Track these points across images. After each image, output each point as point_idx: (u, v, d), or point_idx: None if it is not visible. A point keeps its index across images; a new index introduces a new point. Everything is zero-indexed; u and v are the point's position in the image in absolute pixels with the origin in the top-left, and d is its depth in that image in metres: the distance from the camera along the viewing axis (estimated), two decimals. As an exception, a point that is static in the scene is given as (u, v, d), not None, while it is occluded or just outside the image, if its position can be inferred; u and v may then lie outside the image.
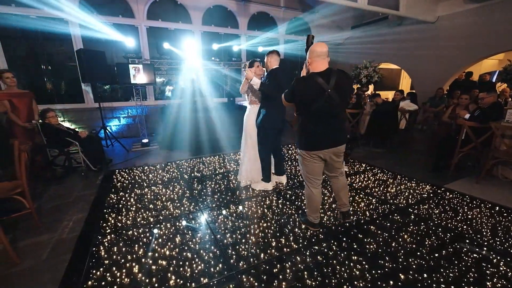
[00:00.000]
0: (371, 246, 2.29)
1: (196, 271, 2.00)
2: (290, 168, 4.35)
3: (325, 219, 2.75)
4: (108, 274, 1.96)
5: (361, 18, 8.04)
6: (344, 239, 2.40)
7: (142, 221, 2.72)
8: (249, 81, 3.17)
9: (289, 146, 5.81)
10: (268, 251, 2.23)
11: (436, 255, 2.17)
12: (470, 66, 6.34)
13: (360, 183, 3.70)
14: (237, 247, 2.28)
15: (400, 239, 2.40)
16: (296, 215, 2.83)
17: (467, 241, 2.38)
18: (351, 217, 2.66)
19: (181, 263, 2.08)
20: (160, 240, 2.40)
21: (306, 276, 1.93)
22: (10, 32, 5.41)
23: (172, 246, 2.30)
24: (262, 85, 3.04)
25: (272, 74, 3.03)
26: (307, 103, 2.14)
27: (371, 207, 3.03)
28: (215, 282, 1.89)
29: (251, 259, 2.12)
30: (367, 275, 1.95)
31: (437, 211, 2.93)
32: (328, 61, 2.17)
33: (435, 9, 6.39)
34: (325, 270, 2.00)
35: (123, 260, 2.12)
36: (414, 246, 2.30)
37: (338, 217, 2.67)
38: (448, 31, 6.24)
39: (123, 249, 2.26)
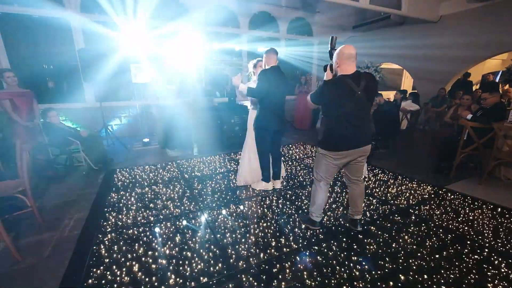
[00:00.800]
0: (371, 247, 2.29)
1: (196, 270, 2.00)
2: (290, 168, 4.34)
3: (325, 219, 2.75)
4: (108, 273, 1.97)
5: (363, 18, 8.00)
6: (344, 239, 2.40)
7: (142, 220, 2.72)
8: (237, 88, 3.20)
9: (290, 146, 5.80)
10: (268, 251, 2.23)
11: (437, 256, 2.16)
12: (473, 66, 6.30)
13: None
14: (237, 246, 2.28)
15: (400, 240, 2.39)
16: (296, 215, 2.83)
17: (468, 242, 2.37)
18: (361, 226, 2.61)
19: (181, 262, 2.09)
20: (160, 239, 2.40)
21: (305, 276, 1.93)
22: (12, 32, 5.44)
23: (172, 245, 2.31)
24: (249, 91, 3.04)
25: (261, 75, 2.99)
26: (337, 105, 2.18)
27: (371, 207, 3.02)
28: (214, 281, 1.90)
29: (251, 259, 2.12)
30: (367, 275, 1.95)
31: (438, 212, 2.92)
32: (356, 63, 2.20)
33: (438, 8, 6.34)
34: (324, 270, 2.00)
35: (123, 259, 2.13)
36: (414, 247, 2.29)
37: (346, 221, 2.67)
38: (450, 30, 6.20)
39: (124, 247, 2.27)
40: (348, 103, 2.14)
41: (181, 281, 1.89)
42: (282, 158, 4.11)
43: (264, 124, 3.13)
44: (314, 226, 2.56)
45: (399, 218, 2.79)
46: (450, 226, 2.64)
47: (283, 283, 1.87)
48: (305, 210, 2.87)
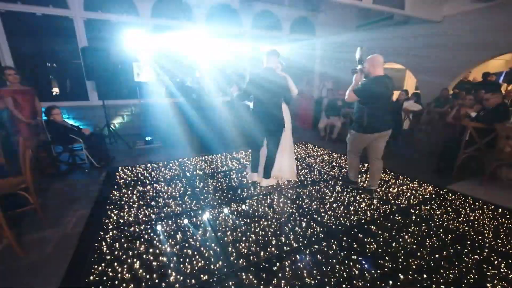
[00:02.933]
0: (371, 246, 2.29)
1: (196, 268, 2.02)
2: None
3: (325, 218, 2.76)
4: (110, 269, 1.99)
5: (366, 18, 7.98)
6: (344, 238, 2.40)
7: (144, 218, 2.74)
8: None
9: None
10: (268, 249, 2.24)
11: (437, 256, 2.16)
12: (476, 66, 6.27)
13: (362, 183, 3.69)
14: (238, 245, 2.29)
15: (400, 240, 2.39)
16: (296, 213, 2.85)
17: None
18: (375, 195, 3.33)
19: (181, 259, 2.11)
20: (161, 236, 2.42)
21: (305, 275, 1.94)
22: (16, 30, 5.48)
23: (173, 243, 2.33)
24: (239, 97, 3.47)
25: (250, 78, 3.26)
26: (376, 98, 2.92)
27: (372, 207, 3.02)
28: (215, 279, 1.91)
29: (251, 257, 2.13)
30: (367, 274, 1.96)
31: (439, 212, 2.92)
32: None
33: (441, 8, 6.30)
34: (324, 269, 2.01)
35: (124, 256, 2.15)
36: (414, 246, 2.29)
37: (365, 188, 3.45)
38: (454, 31, 6.16)
39: (125, 245, 2.29)
40: (383, 97, 2.95)
41: (181, 278, 1.91)
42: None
43: (253, 123, 3.36)
44: (353, 184, 3.48)
45: (399, 217, 2.79)
46: (451, 226, 2.64)
47: (283, 281, 1.88)
48: (346, 175, 3.66)
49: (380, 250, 2.25)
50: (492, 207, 3.03)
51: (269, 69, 3.19)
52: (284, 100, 3.42)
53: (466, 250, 2.24)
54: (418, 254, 2.19)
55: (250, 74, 3.24)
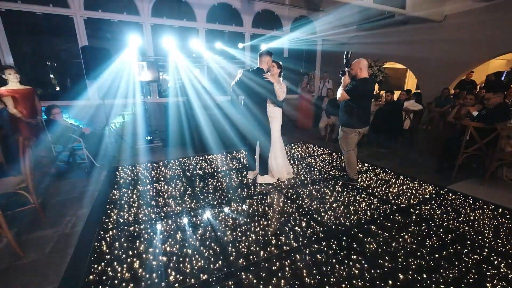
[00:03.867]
0: (371, 246, 2.29)
1: (196, 267, 2.01)
2: (292, 166, 4.33)
3: (325, 218, 2.76)
4: (109, 269, 1.99)
5: (367, 17, 7.95)
6: (344, 238, 2.40)
7: (143, 218, 2.74)
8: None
9: (292, 145, 5.79)
10: (268, 249, 2.24)
11: (437, 255, 2.16)
12: (477, 66, 6.25)
13: (362, 183, 3.68)
14: (237, 244, 2.29)
15: (400, 239, 2.39)
16: (296, 213, 2.84)
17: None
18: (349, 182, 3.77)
19: (181, 259, 2.10)
20: (161, 236, 2.42)
21: (305, 275, 1.94)
22: (16, 29, 5.47)
23: (172, 242, 2.32)
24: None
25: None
26: (364, 97, 3.31)
27: (372, 207, 3.02)
28: (214, 278, 1.91)
29: (251, 257, 2.13)
30: (366, 274, 1.95)
31: (439, 212, 2.91)
32: None
33: (442, 8, 6.28)
34: (324, 269, 2.00)
35: (124, 256, 2.15)
36: (414, 246, 2.29)
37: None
38: (455, 30, 6.14)
39: (125, 244, 2.29)
40: (370, 96, 3.52)
41: (181, 278, 1.91)
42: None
43: (243, 121, 3.53)
44: (353, 182, 3.61)
45: (399, 217, 2.78)
46: (451, 226, 2.63)
47: (282, 281, 1.88)
48: (345, 173, 3.73)
49: (380, 250, 2.24)
50: (493, 207, 3.02)
51: (259, 69, 3.25)
52: (273, 102, 3.47)
53: (466, 250, 2.24)
54: (418, 254, 2.19)
55: (242, 73, 3.29)
